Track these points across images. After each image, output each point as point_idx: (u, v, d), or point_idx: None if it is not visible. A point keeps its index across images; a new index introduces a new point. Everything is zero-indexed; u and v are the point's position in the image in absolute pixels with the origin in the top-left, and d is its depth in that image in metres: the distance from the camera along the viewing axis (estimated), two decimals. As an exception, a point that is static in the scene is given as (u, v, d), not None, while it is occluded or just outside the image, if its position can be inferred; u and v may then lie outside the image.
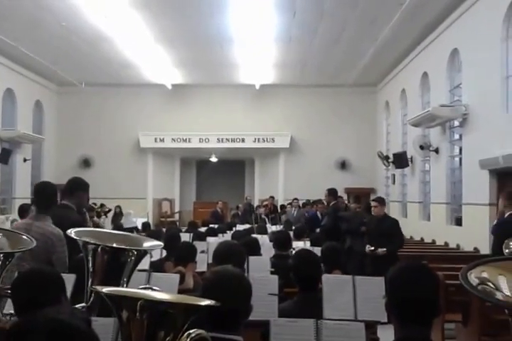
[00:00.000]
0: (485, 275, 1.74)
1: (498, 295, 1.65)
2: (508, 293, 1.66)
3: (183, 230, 10.95)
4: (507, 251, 4.94)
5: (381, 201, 9.47)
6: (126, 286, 2.55)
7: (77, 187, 5.33)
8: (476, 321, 6.18)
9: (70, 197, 5.26)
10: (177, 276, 4.71)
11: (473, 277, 1.72)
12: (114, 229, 13.78)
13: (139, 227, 14.36)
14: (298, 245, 8.52)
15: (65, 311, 1.70)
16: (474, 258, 2.44)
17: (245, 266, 5.39)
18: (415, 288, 2.35)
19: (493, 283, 1.70)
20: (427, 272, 2.47)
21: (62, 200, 5.30)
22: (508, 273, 1.75)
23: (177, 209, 23.59)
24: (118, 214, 18.90)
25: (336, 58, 17.87)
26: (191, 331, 1.73)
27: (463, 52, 13.16)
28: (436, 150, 14.63)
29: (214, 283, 2.53)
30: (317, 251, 5.80)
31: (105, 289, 1.76)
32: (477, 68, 12.15)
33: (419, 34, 15.26)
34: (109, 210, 18.97)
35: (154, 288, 2.62)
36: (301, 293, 4.15)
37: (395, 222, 9.10)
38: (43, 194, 4.93)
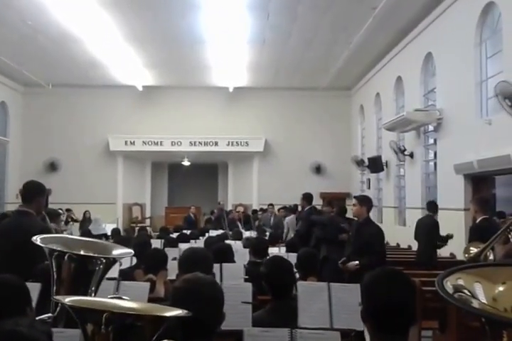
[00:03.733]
0: (461, 282, 1.69)
1: (475, 303, 1.60)
2: (484, 301, 1.61)
3: (155, 236, 10.83)
4: (466, 255, 4.95)
5: (363, 200, 7.37)
6: (95, 296, 2.46)
7: (37, 192, 5.17)
8: (453, 328, 6.13)
9: (30, 202, 5.10)
10: (147, 285, 4.61)
11: (449, 284, 1.66)
12: (81, 235, 13.57)
13: (109, 234, 14.11)
14: (273, 251, 8.44)
15: (25, 323, 1.61)
16: (450, 264, 2.40)
17: (218, 272, 5.31)
18: (391, 295, 2.29)
19: (469, 291, 1.64)
20: (402, 278, 2.42)
21: (21, 206, 5.15)
22: (484, 280, 1.69)
23: (148, 214, 23.22)
24: (86, 220, 18.52)
25: (310, 61, 17.87)
26: (161, 342, 1.66)
27: (437, 57, 13.23)
28: (411, 155, 14.68)
29: (185, 291, 2.44)
30: (292, 256, 5.73)
31: (68, 299, 1.67)
32: (451, 73, 12.22)
33: (393, 38, 15.34)
34: (76, 220, 18.31)
35: (123, 297, 2.53)
36: (273, 301, 4.06)
37: (376, 229, 7.35)
38: None
